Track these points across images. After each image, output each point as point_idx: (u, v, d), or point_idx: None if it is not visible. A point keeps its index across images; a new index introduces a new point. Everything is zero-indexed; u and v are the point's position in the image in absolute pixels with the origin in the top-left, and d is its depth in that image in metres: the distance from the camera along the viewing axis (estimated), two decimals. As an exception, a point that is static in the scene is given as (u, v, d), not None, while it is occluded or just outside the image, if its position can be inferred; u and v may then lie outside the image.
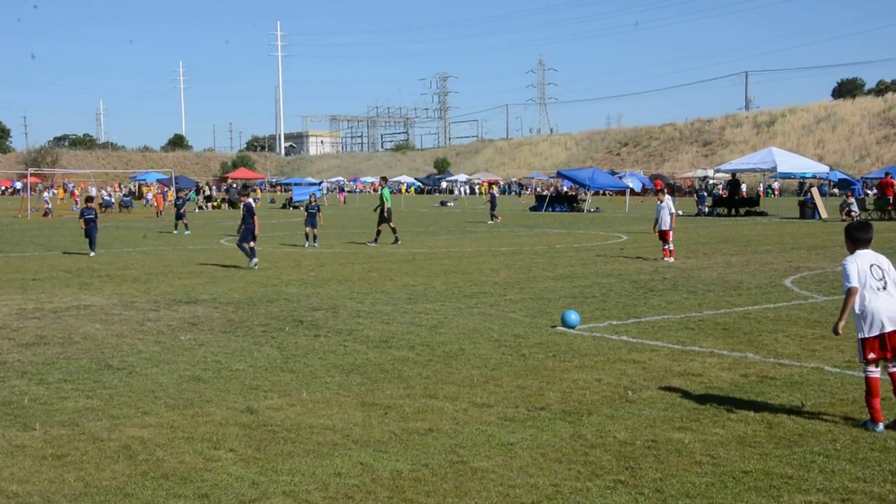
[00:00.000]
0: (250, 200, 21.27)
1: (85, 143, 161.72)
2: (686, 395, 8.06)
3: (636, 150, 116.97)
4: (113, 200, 61.88)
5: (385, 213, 27.02)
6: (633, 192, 65.87)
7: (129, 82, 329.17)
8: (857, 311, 6.98)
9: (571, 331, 11.40)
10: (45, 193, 62.74)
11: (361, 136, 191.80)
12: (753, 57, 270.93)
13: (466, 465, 6.14)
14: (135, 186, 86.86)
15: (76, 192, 70.41)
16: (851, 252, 7.17)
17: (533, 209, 56.24)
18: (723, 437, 6.76)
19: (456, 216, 49.60)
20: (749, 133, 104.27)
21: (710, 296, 14.69)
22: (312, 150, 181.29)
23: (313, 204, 26.73)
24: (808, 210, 42.35)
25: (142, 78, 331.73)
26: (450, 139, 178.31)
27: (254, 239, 20.05)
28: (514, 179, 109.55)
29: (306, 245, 26.24)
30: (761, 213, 45.73)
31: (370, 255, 23.51)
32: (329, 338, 11.06)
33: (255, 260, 19.82)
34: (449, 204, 70.25)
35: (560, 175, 65.66)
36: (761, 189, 69.47)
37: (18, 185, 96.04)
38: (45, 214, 51.43)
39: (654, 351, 10.10)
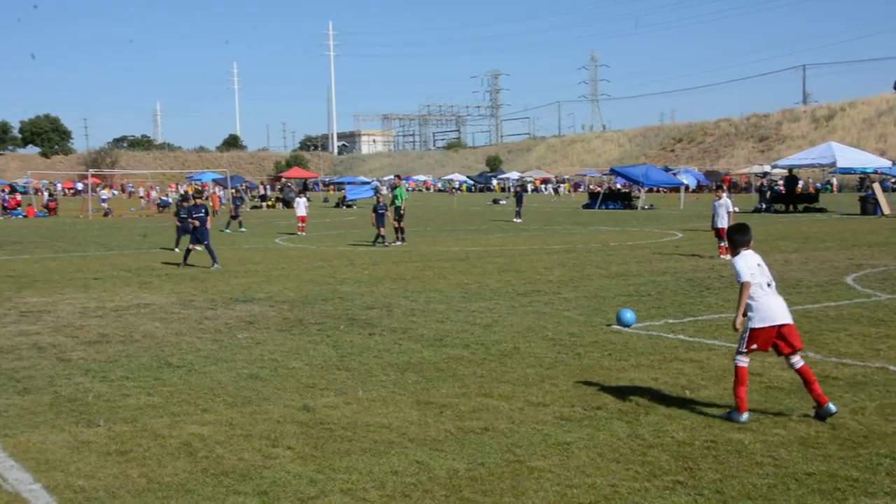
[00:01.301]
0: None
1: (143, 144, 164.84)
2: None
3: (690, 147, 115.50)
4: (170, 200, 62.93)
5: (400, 212, 26.88)
6: (687, 189, 65.05)
7: (185, 84, 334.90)
8: (748, 304, 7.30)
9: (627, 329, 11.29)
10: (103, 193, 63.94)
11: (413, 135, 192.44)
12: (812, 50, 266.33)
13: (523, 464, 6.12)
14: (191, 186, 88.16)
15: (150, 194, 71.62)
16: (735, 254, 7.55)
17: (586, 206, 55.87)
18: (784, 437, 6.64)
19: (508, 214, 49.48)
20: (807, 128, 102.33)
21: (769, 294, 14.42)
22: (365, 149, 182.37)
23: (381, 203, 26.49)
24: (869, 206, 41.40)
25: (197, 79, 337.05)
26: (502, 137, 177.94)
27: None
28: (552, 177, 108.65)
29: (384, 244, 26.01)
30: (820, 210, 44.82)
31: (423, 253, 23.56)
32: (384, 336, 11.12)
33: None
34: (501, 202, 70.10)
35: (613, 172, 65.10)
36: (815, 185, 68.08)
37: (80, 185, 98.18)
38: (106, 215, 52.50)
39: (712, 350, 9.96)
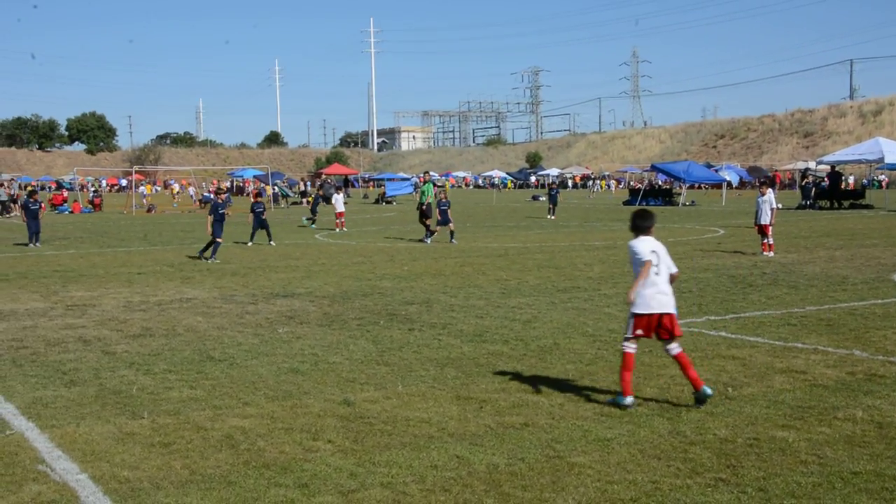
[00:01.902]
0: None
1: (185, 140, 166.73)
2: (789, 392, 7.82)
3: (733, 143, 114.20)
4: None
5: (424, 209, 26.84)
6: (729, 186, 64.31)
7: (227, 81, 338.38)
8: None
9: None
10: (142, 189, 64.65)
11: (453, 131, 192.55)
12: (859, 45, 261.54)
13: (563, 459, 6.10)
14: (234, 183, 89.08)
15: (189, 189, 72.64)
16: (635, 237, 7.68)
17: (626, 203, 55.49)
18: (829, 436, 6.54)
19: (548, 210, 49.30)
20: (854, 123, 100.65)
21: (813, 291, 14.23)
22: (404, 146, 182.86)
23: (444, 200, 26.25)
24: (917, 202, 40.59)
25: (239, 76, 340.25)
26: (542, 133, 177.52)
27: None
28: (590, 172, 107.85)
29: (427, 240, 26.01)
30: (867, 206, 44.05)
31: (462, 249, 23.56)
32: (423, 332, 11.13)
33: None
34: (541, 198, 69.85)
35: (654, 168, 64.57)
36: (862, 181, 66.93)
37: (124, 182, 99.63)
38: (149, 210, 53.21)
39: (755, 347, 9.83)
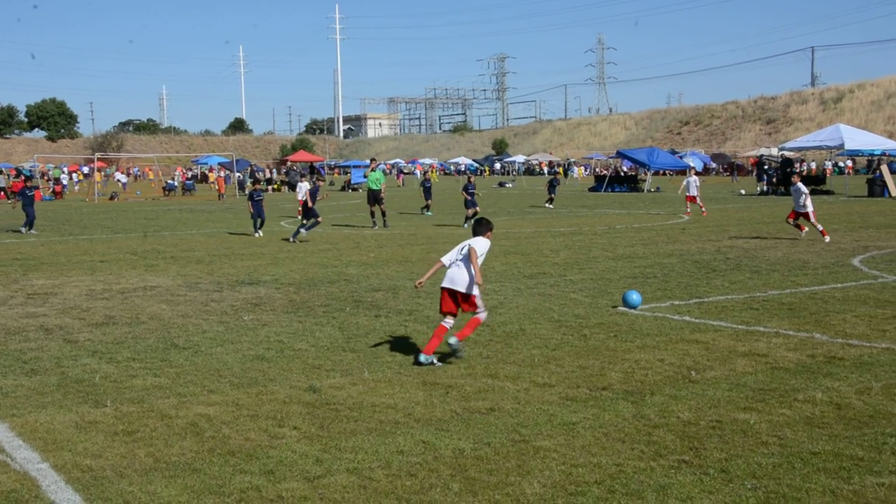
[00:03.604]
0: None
1: (149, 127, 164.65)
2: (751, 375, 7.93)
3: (697, 129, 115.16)
4: (176, 184, 63.03)
5: (375, 196, 26.65)
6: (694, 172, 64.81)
7: (190, 68, 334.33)
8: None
9: (633, 311, 11.28)
10: (118, 175, 63.71)
11: (419, 118, 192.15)
12: (820, 32, 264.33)
13: (528, 444, 6.13)
14: (199, 171, 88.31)
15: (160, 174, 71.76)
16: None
17: (592, 189, 55.78)
18: (790, 417, 6.64)
19: (514, 197, 49.46)
20: (815, 110, 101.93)
21: (775, 276, 14.42)
22: (371, 133, 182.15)
23: (471, 183, 26.03)
24: (877, 188, 41.27)
25: (203, 63, 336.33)
26: (508, 120, 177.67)
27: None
28: (557, 160, 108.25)
29: (465, 226, 25.95)
30: (828, 192, 44.67)
31: (429, 236, 23.56)
32: (390, 318, 11.13)
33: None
34: (507, 185, 70.02)
35: (620, 155, 64.98)
36: (829, 167, 67.84)
37: (86, 169, 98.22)
38: (112, 198, 52.58)
39: (718, 331, 9.95)
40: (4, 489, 5.44)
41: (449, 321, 8.72)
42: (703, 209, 29.61)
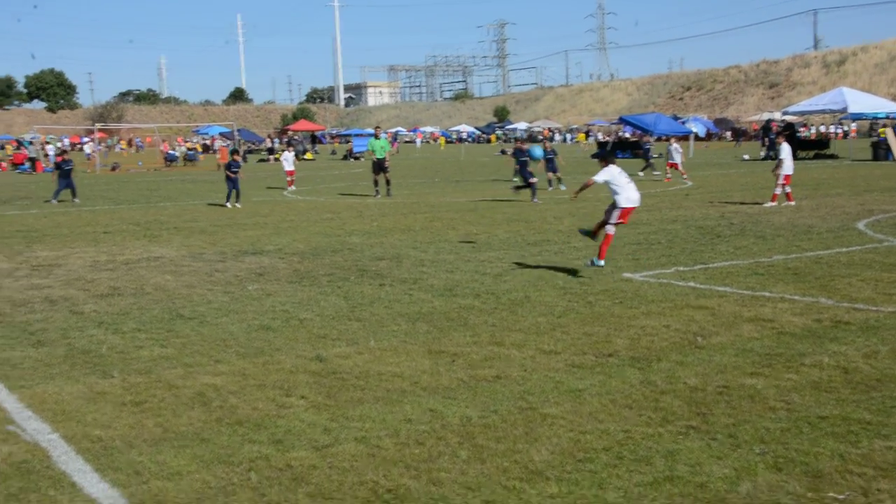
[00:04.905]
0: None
1: (149, 98, 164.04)
2: (757, 340, 7.93)
3: (699, 94, 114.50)
4: (177, 154, 62.84)
5: (380, 165, 26.39)
6: (697, 137, 64.54)
7: (189, 37, 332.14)
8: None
9: (637, 277, 11.26)
10: (88, 147, 63.52)
11: (420, 86, 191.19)
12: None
13: (536, 411, 6.14)
14: (201, 141, 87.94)
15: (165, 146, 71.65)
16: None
17: (595, 156, 55.54)
18: (797, 382, 6.64)
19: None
20: (818, 73, 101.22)
21: (780, 241, 14.39)
22: (371, 101, 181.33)
23: (550, 150, 24.83)
24: (881, 152, 41.03)
25: (201, 33, 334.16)
26: (509, 87, 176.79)
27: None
28: (556, 126, 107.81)
29: (550, 188, 25.79)
30: (831, 156, 44.47)
31: (432, 204, 23.51)
32: (394, 287, 11.12)
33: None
34: (508, 153, 69.74)
35: (623, 121, 64.58)
36: (833, 131, 67.45)
37: (86, 140, 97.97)
38: (113, 169, 52.46)
39: (723, 297, 9.94)
40: (16, 460, 5.47)
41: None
42: (685, 176, 29.71)
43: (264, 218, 20.81)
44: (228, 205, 24.16)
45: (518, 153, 24.45)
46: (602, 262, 11.54)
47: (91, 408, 6.46)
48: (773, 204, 20.09)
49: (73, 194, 28.06)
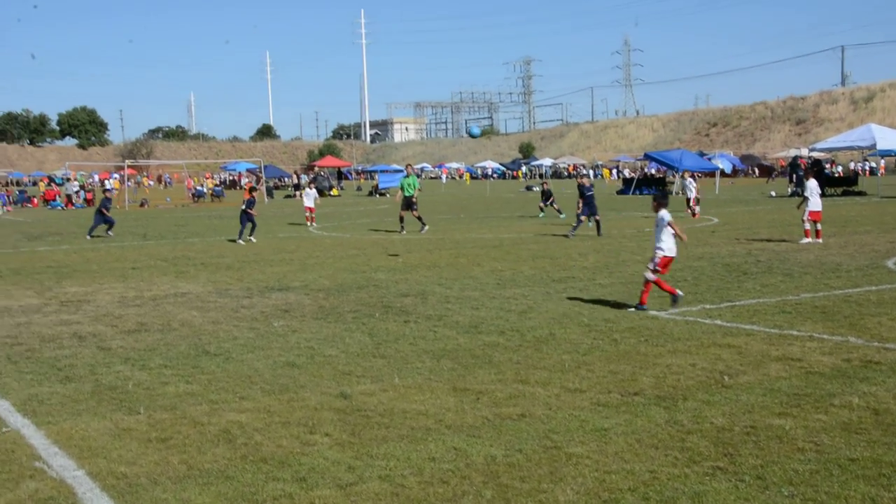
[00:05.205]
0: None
1: (177, 134, 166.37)
2: (785, 380, 7.84)
3: (725, 131, 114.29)
4: (205, 190, 63.51)
5: (408, 201, 26.53)
6: (723, 174, 64.36)
7: (218, 74, 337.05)
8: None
9: (663, 315, 11.20)
10: (108, 182, 64.20)
11: (446, 122, 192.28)
12: (850, 31, 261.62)
13: (561, 450, 6.10)
14: (227, 176, 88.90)
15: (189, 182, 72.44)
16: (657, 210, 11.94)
17: (620, 192, 55.50)
18: (826, 423, 6.55)
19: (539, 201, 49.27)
20: (846, 110, 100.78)
21: (808, 278, 14.26)
22: (397, 137, 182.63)
23: (588, 185, 24.92)
24: (910, 188, 40.62)
25: (230, 70, 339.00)
26: (534, 123, 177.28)
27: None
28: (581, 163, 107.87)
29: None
30: (859, 193, 44.13)
31: (457, 240, 23.55)
32: (419, 323, 11.12)
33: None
34: (534, 189, 69.84)
35: (648, 157, 64.56)
36: (860, 167, 66.96)
37: (116, 176, 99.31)
38: (142, 205, 53.07)
39: (750, 335, 9.85)
40: (42, 496, 5.50)
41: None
42: (696, 211, 30.69)
43: (290, 254, 20.93)
44: (241, 241, 24.36)
45: (582, 189, 24.60)
46: (645, 307, 11.61)
47: (117, 444, 6.49)
48: (808, 240, 19.88)
49: (109, 228, 29.23)
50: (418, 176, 74.37)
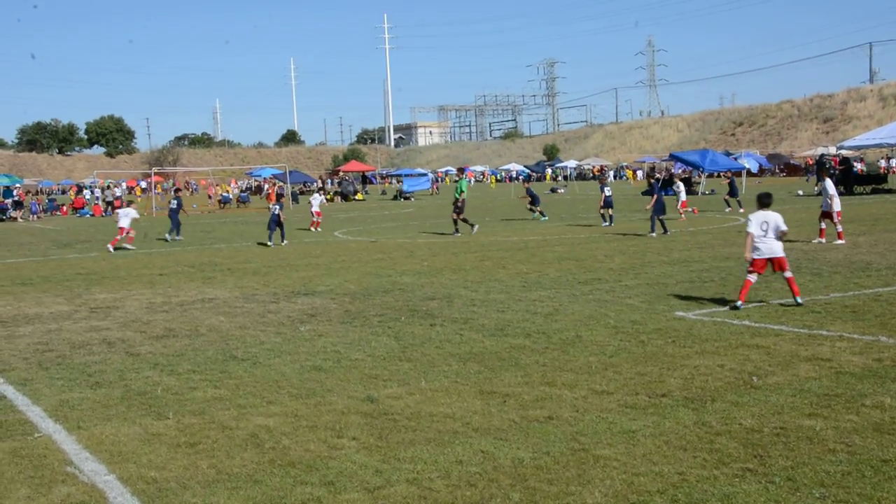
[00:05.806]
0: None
1: (203, 141, 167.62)
2: (815, 380, 7.76)
3: (752, 130, 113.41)
4: (231, 196, 63.93)
5: (458, 205, 26.84)
6: (749, 173, 63.88)
7: (243, 81, 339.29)
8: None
9: (690, 316, 11.12)
10: (118, 190, 64.63)
11: (469, 126, 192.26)
12: (878, 27, 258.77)
13: (588, 452, 6.07)
14: (251, 182, 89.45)
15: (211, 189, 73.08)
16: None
17: (645, 193, 55.20)
18: (857, 424, 6.48)
19: (566, 203, 49.21)
20: (874, 107, 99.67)
21: (837, 278, 14.11)
22: (421, 141, 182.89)
23: (607, 189, 25.21)
24: (940, 186, 40.11)
25: (255, 76, 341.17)
26: (558, 125, 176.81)
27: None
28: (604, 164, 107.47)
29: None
30: (889, 191, 43.61)
31: (482, 243, 23.54)
32: (445, 327, 11.13)
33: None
34: (559, 191, 69.71)
35: (673, 157, 64.24)
36: (883, 165, 66.19)
37: (143, 184, 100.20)
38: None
39: (779, 335, 9.76)
40: (74, 501, 5.56)
41: (755, 277, 11.63)
42: (683, 214, 30.51)
43: (316, 259, 21.01)
44: (272, 244, 24.97)
45: (654, 186, 24.93)
46: (740, 304, 11.58)
47: (146, 449, 6.54)
48: (842, 242, 19.55)
49: (177, 232, 29.60)
50: (469, 181, 74.38)
